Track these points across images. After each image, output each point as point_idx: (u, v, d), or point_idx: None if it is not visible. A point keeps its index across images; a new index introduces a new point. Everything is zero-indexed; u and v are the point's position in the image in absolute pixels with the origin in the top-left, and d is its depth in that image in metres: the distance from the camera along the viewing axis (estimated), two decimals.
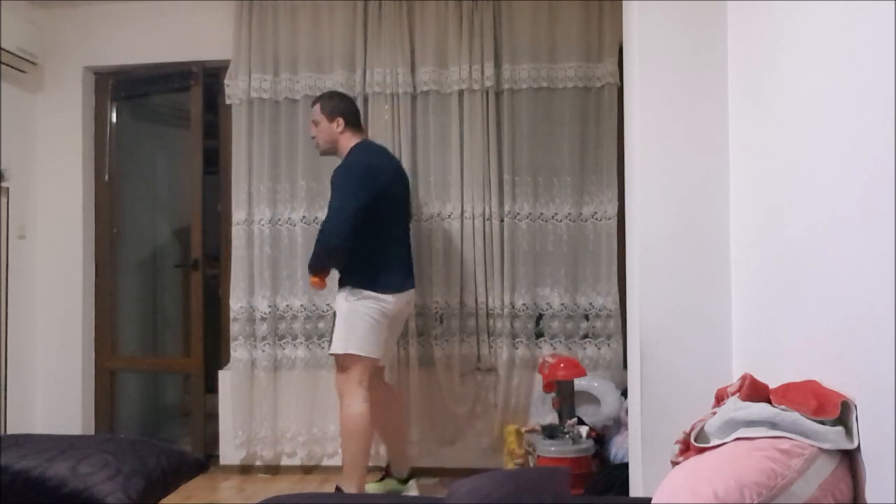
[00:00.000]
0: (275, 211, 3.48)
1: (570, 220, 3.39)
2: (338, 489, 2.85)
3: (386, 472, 3.11)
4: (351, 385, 2.77)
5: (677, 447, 1.57)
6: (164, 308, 4.17)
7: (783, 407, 1.40)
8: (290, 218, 3.49)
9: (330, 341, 2.84)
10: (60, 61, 3.64)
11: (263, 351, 3.47)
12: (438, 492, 3.06)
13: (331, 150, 2.94)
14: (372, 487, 3.02)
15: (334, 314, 2.88)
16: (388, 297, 2.80)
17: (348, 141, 2.89)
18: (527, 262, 3.39)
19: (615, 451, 2.91)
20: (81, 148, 3.66)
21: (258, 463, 3.47)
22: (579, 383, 3.04)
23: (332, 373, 2.93)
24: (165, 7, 3.58)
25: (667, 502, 1.21)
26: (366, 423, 2.77)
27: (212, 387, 3.60)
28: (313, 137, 2.96)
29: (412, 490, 3.03)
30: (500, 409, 3.35)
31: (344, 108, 2.92)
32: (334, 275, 2.92)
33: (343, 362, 2.79)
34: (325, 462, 3.46)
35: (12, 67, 3.43)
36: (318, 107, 2.93)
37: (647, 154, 2.16)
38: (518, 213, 3.40)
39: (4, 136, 3.36)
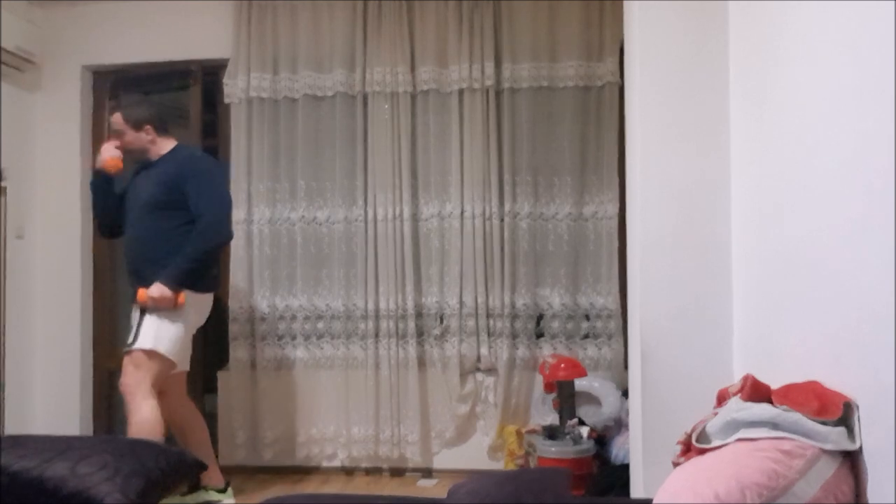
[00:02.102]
0: (274, 210, 3.48)
1: (570, 219, 3.38)
2: None
3: (197, 484, 2.88)
4: (145, 388, 2.61)
5: (678, 448, 1.57)
6: None
7: (785, 407, 1.39)
8: (289, 217, 3.48)
9: (135, 335, 2.64)
10: (59, 60, 3.63)
11: (263, 351, 3.46)
12: (438, 492, 3.06)
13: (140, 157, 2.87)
14: (176, 500, 2.72)
15: (142, 307, 2.66)
16: (208, 297, 2.80)
17: (162, 146, 2.84)
18: (527, 262, 3.38)
19: (616, 451, 2.91)
20: (80, 147, 3.65)
21: (257, 464, 3.46)
22: (580, 384, 3.04)
23: (126, 371, 2.65)
24: (164, 6, 3.57)
25: (668, 503, 1.20)
26: (160, 432, 2.59)
27: (211, 387, 3.59)
28: (118, 147, 2.82)
29: (230, 497, 2.92)
30: (501, 410, 3.34)
31: (151, 115, 2.84)
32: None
33: (143, 361, 2.63)
34: (325, 463, 3.45)
35: (11, 66, 3.42)
36: (118, 116, 2.83)
37: (647, 153, 2.16)
38: (518, 213, 3.39)
39: (3, 136, 3.35)
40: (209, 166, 2.84)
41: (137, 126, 2.80)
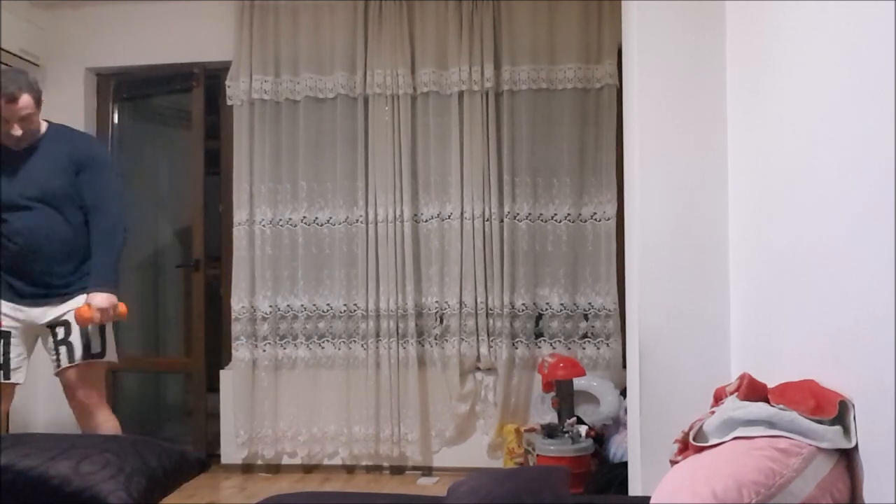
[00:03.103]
0: (276, 211, 3.50)
1: (569, 220, 3.39)
2: None
3: None
4: (103, 399, 2.47)
5: (676, 446, 1.57)
6: (166, 308, 4.17)
7: (781, 406, 1.40)
8: (290, 218, 3.50)
9: (84, 346, 2.38)
10: (62, 62, 3.64)
11: (264, 350, 3.48)
12: (438, 490, 3.07)
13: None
14: None
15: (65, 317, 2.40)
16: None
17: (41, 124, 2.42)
18: (526, 263, 3.40)
19: (614, 450, 2.92)
20: None
21: (259, 462, 3.48)
22: (578, 383, 3.05)
23: (75, 389, 2.42)
24: (167, 8, 3.58)
25: (666, 501, 1.21)
26: None
27: (213, 386, 3.60)
28: (13, 135, 2.31)
29: None
30: (500, 409, 3.36)
31: (32, 83, 2.35)
32: None
33: (99, 372, 2.45)
34: (326, 461, 3.47)
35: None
36: (28, 97, 2.29)
37: (646, 155, 2.17)
38: (518, 214, 3.41)
39: None
40: (103, 151, 2.53)
41: (38, 100, 2.32)
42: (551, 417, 3.02)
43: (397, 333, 3.39)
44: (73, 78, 3.65)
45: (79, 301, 2.37)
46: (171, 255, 4.11)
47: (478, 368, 3.42)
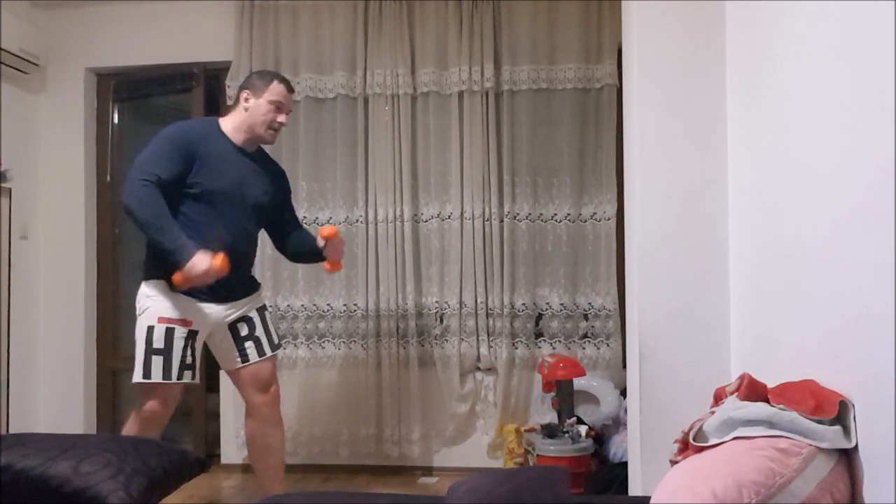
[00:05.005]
0: None
1: (569, 220, 3.39)
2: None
3: None
4: None
5: (676, 446, 1.57)
6: None
7: (781, 406, 1.40)
8: None
9: (268, 340, 2.53)
10: (62, 62, 3.65)
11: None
12: (439, 490, 3.07)
13: None
14: None
15: (261, 309, 2.56)
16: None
17: None
18: (526, 263, 3.40)
19: (614, 450, 2.92)
20: (83, 149, 3.67)
21: None
22: (578, 383, 3.05)
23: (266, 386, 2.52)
24: (167, 8, 3.59)
25: (665, 501, 1.21)
26: None
27: (213, 386, 3.60)
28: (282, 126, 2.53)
29: None
30: (500, 409, 3.36)
31: None
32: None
33: (276, 363, 2.59)
34: (326, 461, 3.47)
35: (14, 69, 3.44)
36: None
37: (645, 155, 2.17)
38: (518, 214, 3.41)
39: (6, 137, 3.37)
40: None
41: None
42: (551, 417, 3.02)
43: (397, 333, 3.39)
44: (73, 78, 3.66)
45: (258, 298, 2.55)
46: None
47: (478, 368, 3.42)
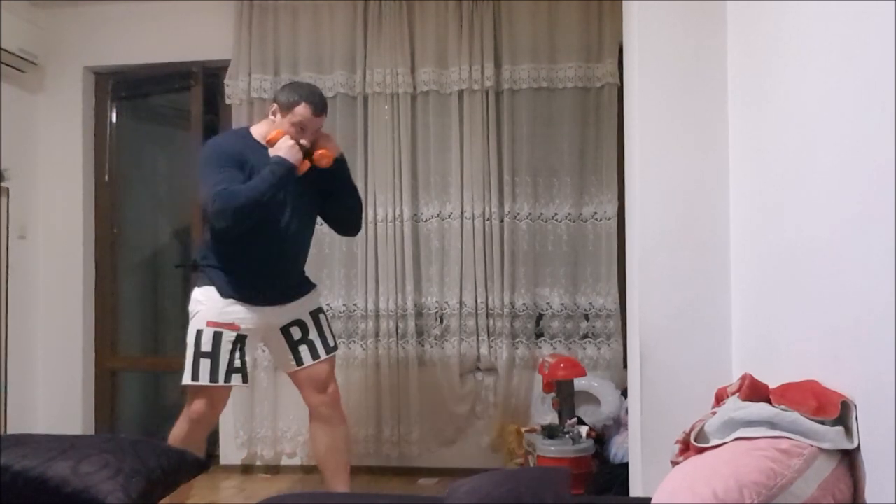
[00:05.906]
0: None
1: (569, 220, 3.39)
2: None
3: None
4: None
5: (677, 447, 1.57)
6: (165, 308, 4.17)
7: (783, 407, 1.40)
8: None
9: (322, 343, 2.54)
10: (61, 62, 3.64)
11: (264, 351, 3.45)
12: (439, 491, 3.07)
13: None
14: None
15: (315, 312, 2.56)
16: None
17: None
18: (527, 262, 3.39)
19: (615, 450, 2.92)
20: (82, 148, 3.67)
21: (259, 463, 3.47)
22: (579, 383, 3.05)
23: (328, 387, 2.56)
24: (166, 7, 3.58)
25: (666, 502, 1.21)
26: None
27: None
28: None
29: None
30: (500, 409, 3.35)
31: None
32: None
33: (334, 365, 2.60)
34: None
35: (13, 68, 3.43)
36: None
37: (646, 154, 2.16)
38: (518, 214, 3.40)
39: (5, 137, 3.36)
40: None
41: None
42: (552, 418, 3.02)
43: (397, 333, 3.39)
44: (71, 77, 3.65)
45: (312, 300, 2.55)
46: (171, 255, 4.11)
47: (478, 369, 3.42)
